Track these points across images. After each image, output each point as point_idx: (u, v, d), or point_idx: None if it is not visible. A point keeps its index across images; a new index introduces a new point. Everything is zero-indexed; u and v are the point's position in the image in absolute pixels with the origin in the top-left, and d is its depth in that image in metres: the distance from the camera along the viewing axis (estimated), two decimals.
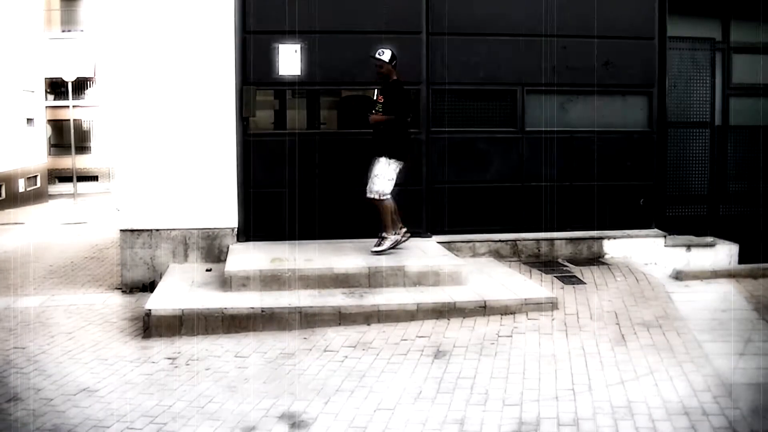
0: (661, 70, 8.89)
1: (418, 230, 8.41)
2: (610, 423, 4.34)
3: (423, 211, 8.53)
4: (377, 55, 7.41)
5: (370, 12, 8.29)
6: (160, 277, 7.71)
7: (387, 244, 7.46)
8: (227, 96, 8.04)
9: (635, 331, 6.04)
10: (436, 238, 8.37)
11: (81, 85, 28.52)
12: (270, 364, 5.53)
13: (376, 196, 7.42)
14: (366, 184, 7.46)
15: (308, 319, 6.35)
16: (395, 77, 7.47)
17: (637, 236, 8.73)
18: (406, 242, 7.68)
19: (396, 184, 7.57)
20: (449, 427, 4.38)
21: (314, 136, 8.45)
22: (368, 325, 6.36)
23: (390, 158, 7.40)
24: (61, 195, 24.68)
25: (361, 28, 8.25)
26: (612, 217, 8.81)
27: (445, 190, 8.58)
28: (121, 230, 8.09)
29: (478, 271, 7.61)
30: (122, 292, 7.97)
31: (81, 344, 6.15)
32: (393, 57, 7.42)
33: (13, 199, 19.80)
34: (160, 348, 5.97)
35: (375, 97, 7.59)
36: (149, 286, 7.85)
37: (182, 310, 6.32)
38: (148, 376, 5.36)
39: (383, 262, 7.16)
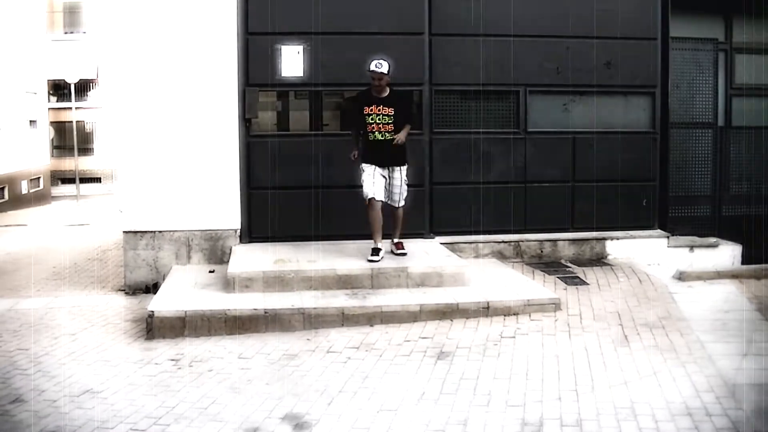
0: (663, 71, 8.89)
1: (421, 231, 8.43)
2: (613, 424, 4.34)
3: (426, 211, 8.53)
4: (376, 68, 7.16)
5: (372, 13, 8.30)
6: (163, 279, 7.71)
7: (382, 253, 7.39)
8: (230, 97, 8.05)
9: (638, 332, 6.03)
10: (439, 239, 8.37)
11: (84, 87, 28.61)
12: (273, 366, 5.54)
13: (404, 203, 7.52)
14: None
15: (311, 321, 6.35)
16: (389, 86, 7.35)
17: (640, 237, 8.73)
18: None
19: None
20: (452, 428, 4.38)
21: (317, 137, 8.45)
22: (371, 326, 6.36)
23: (407, 165, 7.50)
24: (63, 197, 24.74)
25: (364, 29, 8.25)
26: (615, 218, 8.80)
27: (448, 191, 8.58)
28: (124, 232, 8.10)
29: (481, 272, 7.62)
30: (125, 293, 7.97)
31: (84, 346, 6.15)
32: (390, 66, 7.23)
33: (16, 201, 19.85)
34: (164, 349, 5.97)
35: (376, 110, 7.30)
36: (152, 288, 7.86)
37: (185, 312, 6.33)
38: (152, 378, 5.36)
39: (386, 263, 7.16)
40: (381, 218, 7.40)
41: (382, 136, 7.34)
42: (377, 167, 7.38)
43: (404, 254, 7.48)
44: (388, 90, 7.34)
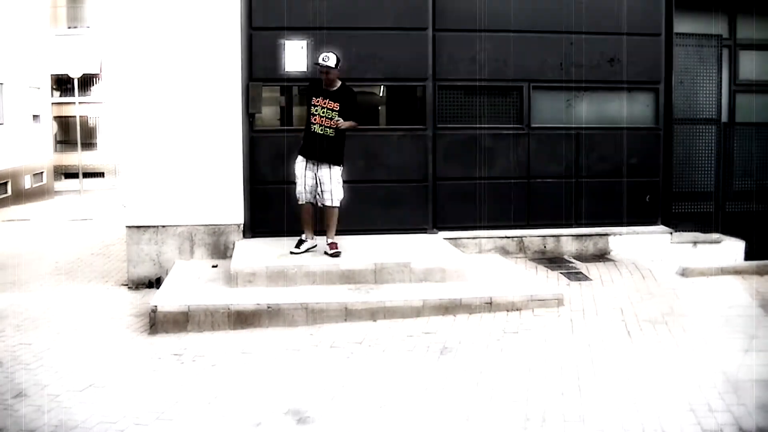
0: (667, 67, 8.87)
1: (424, 226, 8.43)
2: (616, 419, 4.34)
3: (429, 207, 8.52)
4: (322, 62, 7.01)
5: (376, 8, 8.28)
6: (166, 274, 7.72)
7: (305, 246, 7.32)
8: (233, 92, 8.04)
9: (641, 328, 6.04)
10: (442, 234, 8.37)
11: (87, 82, 28.57)
12: (276, 360, 5.55)
13: (338, 204, 7.28)
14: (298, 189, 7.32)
15: (314, 315, 6.36)
16: (341, 81, 7.21)
17: (643, 233, 8.72)
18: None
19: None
20: (455, 423, 4.39)
21: None
22: (374, 321, 6.36)
23: (341, 166, 7.27)
24: (67, 191, 24.70)
25: (367, 25, 8.24)
26: (618, 214, 8.79)
27: (451, 187, 8.57)
28: (127, 226, 8.10)
29: (484, 268, 7.62)
30: (128, 288, 7.98)
31: (87, 340, 6.16)
32: (338, 61, 7.08)
33: (20, 196, 19.84)
34: (167, 344, 5.98)
35: (322, 103, 7.12)
36: (155, 283, 7.87)
37: (188, 307, 6.34)
38: (155, 372, 5.37)
39: (389, 258, 7.16)
40: (311, 215, 7.36)
41: (321, 130, 7.16)
42: (308, 162, 7.23)
43: (338, 254, 7.15)
44: (339, 84, 7.19)
